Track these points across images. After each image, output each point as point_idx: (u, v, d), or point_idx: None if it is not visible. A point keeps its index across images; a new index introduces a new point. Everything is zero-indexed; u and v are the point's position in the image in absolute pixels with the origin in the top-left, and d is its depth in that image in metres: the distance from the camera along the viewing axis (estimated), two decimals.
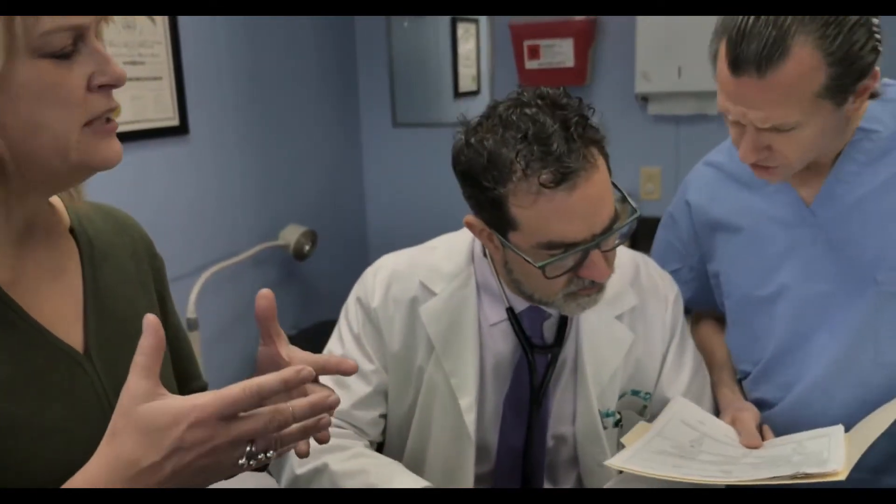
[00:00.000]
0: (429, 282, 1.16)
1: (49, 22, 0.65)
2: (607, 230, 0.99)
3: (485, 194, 0.99)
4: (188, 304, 2.25)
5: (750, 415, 1.15)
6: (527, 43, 2.74)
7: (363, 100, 3.21)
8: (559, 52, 2.71)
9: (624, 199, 1.05)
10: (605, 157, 1.03)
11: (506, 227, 1.01)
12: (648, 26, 2.52)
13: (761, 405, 1.21)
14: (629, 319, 1.18)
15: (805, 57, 0.94)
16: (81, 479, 0.66)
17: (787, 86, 0.96)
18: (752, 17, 0.96)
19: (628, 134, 2.75)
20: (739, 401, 1.21)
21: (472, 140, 0.99)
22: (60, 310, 0.78)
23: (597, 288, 1.06)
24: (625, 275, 1.19)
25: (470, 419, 1.13)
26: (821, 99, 0.97)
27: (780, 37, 0.94)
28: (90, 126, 0.71)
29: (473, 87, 3.03)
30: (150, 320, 0.66)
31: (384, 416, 1.21)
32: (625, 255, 1.22)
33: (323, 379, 1.15)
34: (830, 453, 0.97)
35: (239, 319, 2.57)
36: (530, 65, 2.76)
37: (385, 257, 1.23)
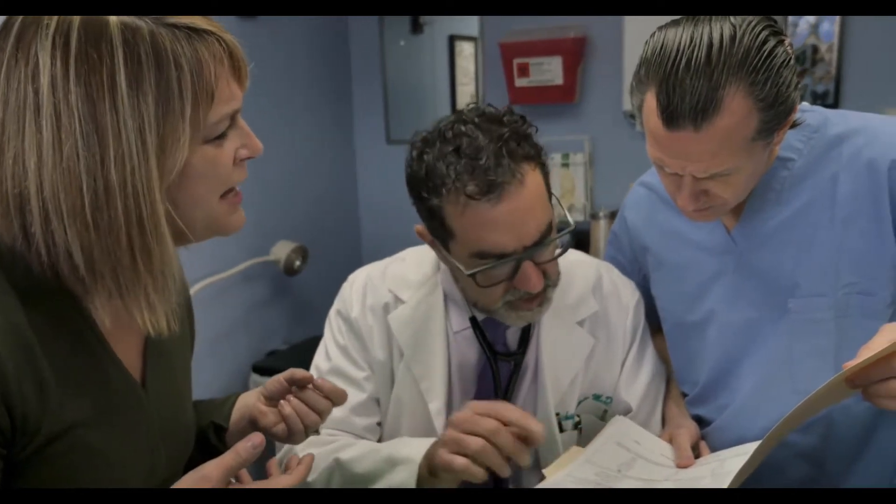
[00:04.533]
0: (397, 290, 1.20)
1: (218, 113, 0.74)
2: (538, 243, 1.02)
3: (424, 204, 1.06)
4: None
5: (685, 432, 1.16)
6: (516, 61, 2.76)
7: (357, 116, 3.22)
8: (548, 70, 2.73)
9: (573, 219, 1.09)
10: (544, 172, 1.06)
11: (445, 236, 1.06)
12: (636, 44, 2.54)
13: (700, 423, 1.23)
14: (590, 325, 1.20)
15: (738, 106, 0.93)
16: None
17: (723, 136, 0.95)
18: (680, 68, 0.93)
19: (618, 150, 2.78)
20: (680, 417, 1.23)
21: (415, 154, 1.06)
22: (129, 342, 0.84)
23: (537, 301, 1.09)
24: (587, 282, 1.22)
25: (439, 423, 1.16)
26: (754, 142, 0.97)
27: (712, 88, 0.92)
28: (225, 198, 0.79)
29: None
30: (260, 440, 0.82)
31: (380, 424, 1.23)
32: (588, 264, 1.26)
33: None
34: (737, 475, 0.98)
35: (228, 335, 2.57)
36: (520, 83, 2.78)
37: (359, 270, 1.27)
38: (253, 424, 1.01)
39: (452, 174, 0.99)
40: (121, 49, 0.68)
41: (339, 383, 1.17)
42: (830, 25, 2.42)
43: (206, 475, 0.77)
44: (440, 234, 1.07)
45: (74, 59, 0.68)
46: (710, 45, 0.93)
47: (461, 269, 1.06)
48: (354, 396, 1.19)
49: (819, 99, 2.46)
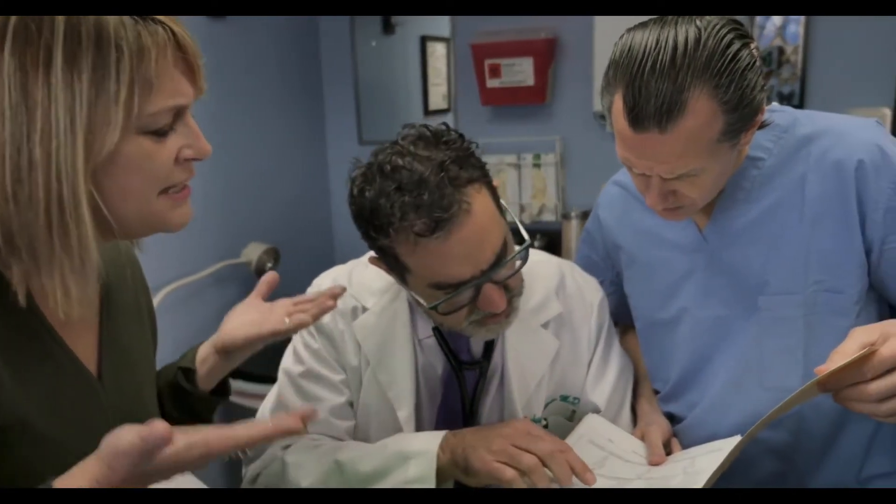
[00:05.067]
0: (360, 297, 1.19)
1: (157, 104, 0.72)
2: (495, 264, 1.01)
3: (374, 243, 1.03)
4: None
5: (657, 429, 1.18)
6: (488, 62, 2.77)
7: (329, 117, 3.21)
8: (519, 71, 2.74)
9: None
10: (491, 188, 1.03)
11: (401, 270, 1.04)
12: (606, 45, 2.56)
13: (672, 420, 1.24)
14: (554, 327, 1.20)
15: (702, 108, 0.94)
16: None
17: (688, 138, 0.96)
18: (646, 70, 0.94)
19: (588, 151, 2.80)
20: (652, 414, 1.24)
21: (356, 191, 1.03)
22: (82, 332, 0.83)
23: (504, 315, 1.07)
24: (550, 283, 1.21)
25: (409, 430, 1.15)
26: (719, 143, 0.98)
27: (677, 91, 0.93)
28: (166, 193, 0.77)
29: (444, 106, 3.05)
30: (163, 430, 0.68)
31: None
32: (550, 264, 1.25)
33: (293, 398, 1.18)
34: (710, 474, 0.99)
35: (199, 338, 2.53)
36: (492, 83, 2.79)
37: (323, 275, 1.25)
38: (224, 354, 1.03)
39: (398, 213, 0.96)
40: (62, 24, 0.67)
41: (316, 387, 1.17)
42: (796, 27, 2.46)
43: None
44: (396, 269, 1.05)
45: (13, 29, 0.67)
46: (675, 47, 0.93)
47: (422, 302, 1.05)
48: (333, 399, 1.17)
49: (785, 100, 2.50)
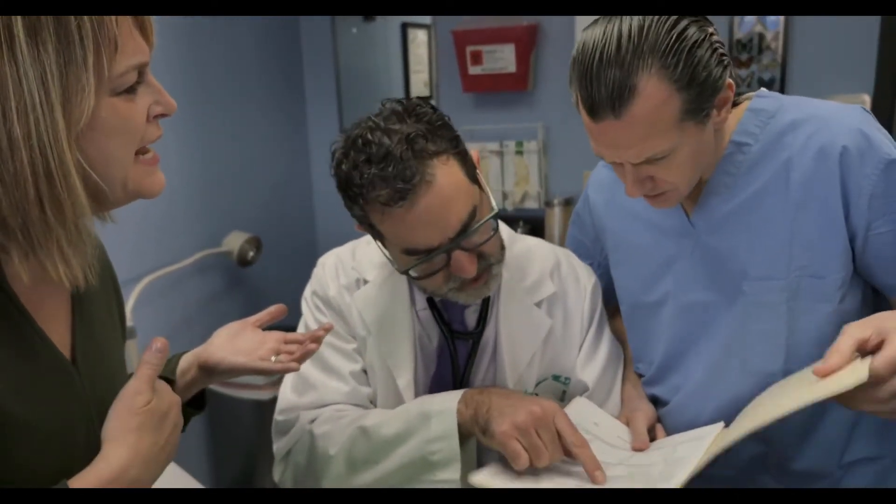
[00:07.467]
0: (362, 271, 1.24)
1: (123, 64, 0.72)
2: (462, 232, 1.05)
3: (352, 211, 1.10)
4: (125, 312, 2.19)
5: (642, 415, 1.19)
6: (469, 49, 2.76)
7: (310, 104, 3.19)
8: (501, 58, 2.74)
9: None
10: (462, 159, 1.07)
11: (378, 237, 1.11)
12: None
13: (656, 403, 1.25)
14: (548, 306, 1.23)
15: (653, 90, 0.96)
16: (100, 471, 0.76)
17: (646, 120, 0.97)
18: (595, 61, 0.97)
19: (571, 139, 2.80)
20: (637, 399, 1.25)
21: (335, 163, 1.09)
22: (55, 317, 0.82)
23: (482, 280, 1.11)
24: (545, 265, 1.26)
25: (409, 397, 1.18)
26: (682, 122, 0.99)
27: (625, 76, 0.96)
28: (139, 157, 0.77)
29: (426, 93, 3.04)
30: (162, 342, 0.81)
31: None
32: (546, 248, 1.30)
33: (313, 372, 1.22)
34: (689, 463, 0.99)
35: (181, 328, 2.52)
36: (474, 70, 2.79)
37: (328, 253, 1.30)
38: (206, 370, 1.05)
39: (367, 184, 1.02)
40: None
41: (335, 357, 1.22)
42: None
43: (136, 390, 0.80)
44: (374, 235, 1.12)
45: None
46: (620, 36, 0.96)
47: (396, 267, 1.11)
48: (353, 366, 1.22)
49: (766, 86, 2.50)
